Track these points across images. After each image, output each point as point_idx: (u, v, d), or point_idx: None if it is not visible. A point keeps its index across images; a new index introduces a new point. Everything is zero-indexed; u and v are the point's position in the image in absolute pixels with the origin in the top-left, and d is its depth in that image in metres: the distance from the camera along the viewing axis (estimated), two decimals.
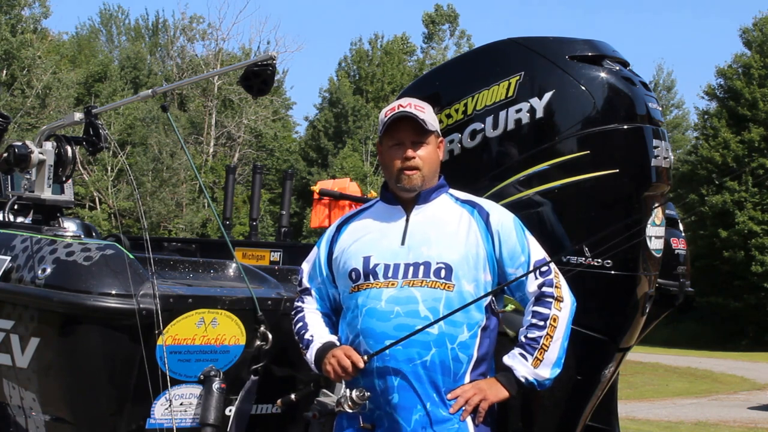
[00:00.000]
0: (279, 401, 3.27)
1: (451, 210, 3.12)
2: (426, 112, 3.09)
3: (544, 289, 3.04)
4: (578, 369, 3.74)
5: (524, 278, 3.04)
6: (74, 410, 3.51)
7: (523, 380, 3.02)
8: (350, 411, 2.97)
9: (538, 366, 3.01)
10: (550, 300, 3.03)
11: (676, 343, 29.07)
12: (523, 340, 3.03)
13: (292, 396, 3.22)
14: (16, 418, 3.75)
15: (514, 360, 3.03)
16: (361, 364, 2.94)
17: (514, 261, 3.06)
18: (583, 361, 3.72)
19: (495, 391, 3.02)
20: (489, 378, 3.05)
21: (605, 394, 4.02)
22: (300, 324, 3.21)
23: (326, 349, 3.07)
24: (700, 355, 26.01)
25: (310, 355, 3.12)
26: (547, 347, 3.00)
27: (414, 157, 3.06)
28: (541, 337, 3.00)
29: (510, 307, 3.11)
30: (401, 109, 3.06)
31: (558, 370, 3.04)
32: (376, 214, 3.18)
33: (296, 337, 3.21)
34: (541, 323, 3.01)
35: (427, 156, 3.08)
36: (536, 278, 3.05)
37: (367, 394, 2.94)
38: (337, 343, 3.10)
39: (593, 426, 4.29)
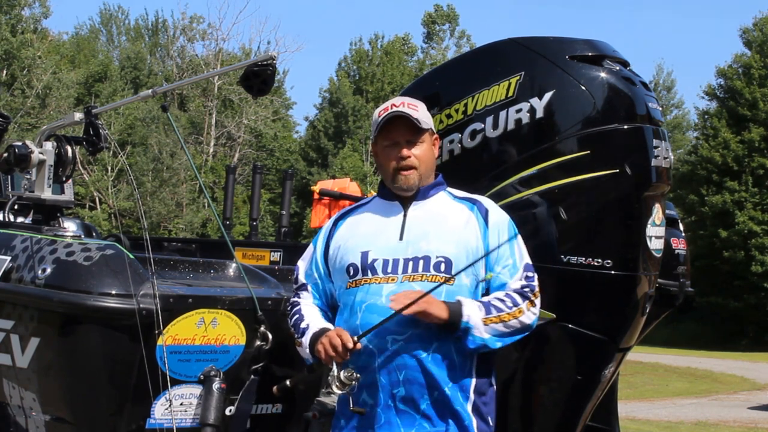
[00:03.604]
0: (275, 388, 3.26)
1: (449, 206, 3.12)
2: (419, 111, 3.09)
3: (526, 290, 3.04)
4: (578, 369, 3.74)
5: (508, 277, 3.04)
6: (74, 410, 3.51)
7: (465, 318, 2.93)
8: (339, 392, 2.93)
9: (486, 324, 2.96)
10: (527, 299, 3.02)
11: (676, 343, 29.05)
12: (488, 300, 3.00)
13: (287, 382, 3.21)
14: (16, 418, 3.75)
15: (469, 302, 2.97)
16: (351, 344, 2.90)
17: (500, 261, 3.06)
18: (583, 361, 3.73)
19: (438, 308, 2.92)
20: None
21: (605, 394, 4.03)
22: (296, 316, 3.17)
23: (321, 333, 3.04)
24: (700, 355, 25.98)
25: (306, 340, 3.08)
26: (499, 321, 2.97)
27: (410, 156, 3.06)
28: (503, 311, 2.98)
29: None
30: (395, 108, 3.06)
31: (490, 348, 2.98)
32: (373, 210, 3.18)
33: (292, 329, 3.18)
34: (510, 304, 3.00)
35: (423, 154, 3.09)
36: (521, 279, 3.05)
37: (357, 375, 2.91)
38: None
39: (593, 426, 4.30)
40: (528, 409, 3.84)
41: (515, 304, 3.00)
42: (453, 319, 2.93)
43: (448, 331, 2.95)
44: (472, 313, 2.95)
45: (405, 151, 3.06)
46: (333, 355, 2.93)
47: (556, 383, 3.79)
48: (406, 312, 2.87)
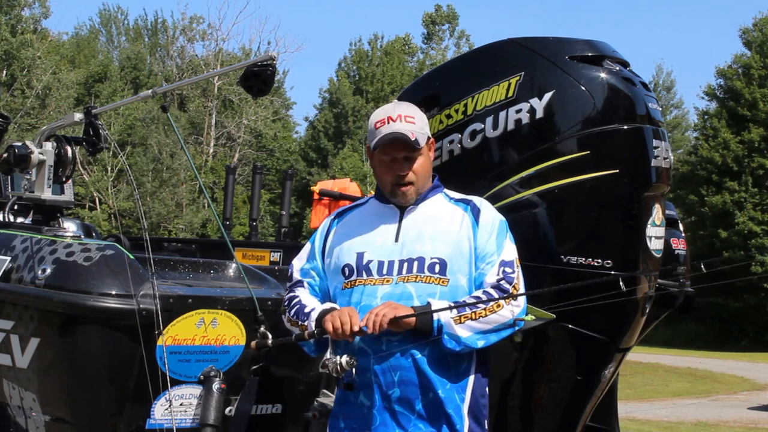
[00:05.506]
0: (253, 343, 3.24)
1: (444, 208, 3.13)
2: (416, 122, 3.07)
3: (502, 283, 3.02)
4: (578, 369, 3.74)
5: (484, 272, 3.03)
6: (74, 410, 3.51)
7: (435, 317, 2.92)
8: (334, 375, 2.94)
9: (459, 323, 2.93)
10: (503, 293, 3.00)
11: (676, 343, 29.05)
12: (462, 299, 2.98)
13: (269, 341, 3.19)
14: (16, 418, 3.75)
15: (439, 302, 2.95)
16: (357, 328, 2.90)
17: (485, 259, 3.05)
18: (583, 361, 3.73)
19: (404, 311, 2.91)
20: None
21: (605, 394, 4.02)
22: (297, 306, 3.13)
23: (330, 310, 3.02)
24: (700, 355, 25.99)
25: (315, 315, 3.04)
26: (477, 318, 2.94)
27: (408, 173, 3.06)
28: (477, 307, 2.95)
29: (530, 317, 3.08)
30: (392, 123, 3.03)
31: (471, 347, 2.96)
32: (369, 211, 3.19)
33: (294, 318, 3.13)
34: (485, 299, 2.97)
35: (420, 167, 3.08)
36: (497, 274, 3.03)
37: (354, 362, 2.91)
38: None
39: (593, 426, 4.29)
40: (528, 409, 3.84)
41: (491, 299, 2.98)
42: (422, 319, 2.92)
43: (424, 336, 2.93)
44: (442, 311, 2.93)
45: (403, 170, 3.06)
46: (339, 331, 2.91)
47: (556, 383, 3.79)
48: (377, 326, 2.87)
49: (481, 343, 2.98)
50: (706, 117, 35.69)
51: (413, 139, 3.02)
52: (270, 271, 4.00)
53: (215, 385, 3.48)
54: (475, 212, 3.10)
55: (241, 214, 32.88)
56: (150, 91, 4.55)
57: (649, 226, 3.62)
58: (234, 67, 5.13)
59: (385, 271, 3.02)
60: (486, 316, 2.96)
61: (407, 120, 3.06)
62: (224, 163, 38.52)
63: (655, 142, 3.60)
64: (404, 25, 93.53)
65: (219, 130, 41.60)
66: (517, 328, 3.06)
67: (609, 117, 3.56)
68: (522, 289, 3.06)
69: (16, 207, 4.95)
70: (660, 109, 3.76)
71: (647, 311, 3.79)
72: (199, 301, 3.47)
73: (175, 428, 3.48)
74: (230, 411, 3.60)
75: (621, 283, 2.95)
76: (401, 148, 3.05)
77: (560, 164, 3.54)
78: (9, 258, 3.66)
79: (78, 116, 4.54)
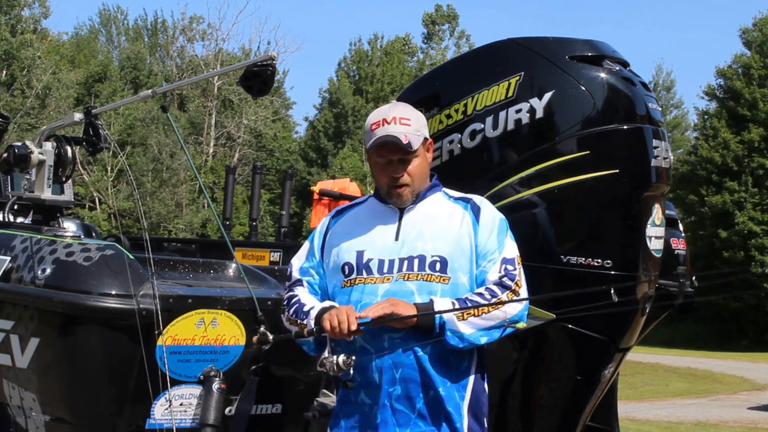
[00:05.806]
0: (254, 339, 3.24)
1: (444, 206, 3.13)
2: (412, 124, 3.06)
3: (504, 279, 3.02)
4: (578, 369, 3.75)
5: (486, 269, 3.03)
6: (74, 410, 3.51)
7: (437, 317, 2.92)
8: (331, 374, 2.95)
9: (461, 319, 2.93)
10: (507, 289, 3.00)
11: (676, 343, 29.05)
12: (465, 296, 2.98)
13: (270, 337, 3.20)
14: (16, 418, 3.75)
15: (441, 300, 2.96)
16: (354, 327, 2.89)
17: (487, 256, 3.05)
18: (583, 361, 3.73)
19: (405, 308, 2.92)
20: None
21: (605, 394, 4.03)
22: (296, 305, 3.13)
23: (329, 309, 3.01)
24: (700, 355, 25.99)
25: (314, 313, 3.03)
26: (479, 315, 2.94)
27: (402, 176, 3.06)
28: (480, 303, 2.95)
29: (521, 325, 3.08)
30: (386, 126, 3.03)
31: (475, 344, 2.97)
32: (369, 210, 3.19)
33: (293, 316, 3.12)
34: (488, 296, 2.97)
35: (416, 169, 3.08)
36: (499, 271, 3.03)
37: (352, 361, 2.91)
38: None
39: (593, 426, 4.29)
40: (528, 409, 3.84)
41: (494, 296, 2.98)
42: (426, 320, 2.91)
43: (425, 332, 2.93)
44: (445, 307, 2.93)
45: (397, 172, 3.06)
46: (336, 330, 2.90)
47: (556, 383, 3.79)
48: (375, 318, 2.87)
49: (484, 340, 2.99)
50: (706, 117, 35.68)
51: (405, 142, 3.01)
52: (270, 271, 4.01)
53: (215, 385, 3.48)
54: (476, 210, 3.10)
55: (241, 214, 32.88)
56: (150, 91, 4.55)
57: (649, 226, 3.63)
58: (234, 67, 5.14)
59: (385, 270, 3.02)
60: (489, 312, 2.96)
61: (402, 122, 3.05)
62: (224, 163, 38.52)
63: (655, 142, 3.60)
64: (404, 25, 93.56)
65: (219, 130, 41.60)
66: (519, 325, 3.06)
67: (609, 117, 3.56)
68: (524, 286, 3.06)
69: (16, 207, 4.96)
70: (660, 109, 3.76)
71: (647, 311, 3.79)
72: (199, 301, 3.47)
73: (175, 428, 3.48)
74: (230, 411, 3.61)
75: (612, 293, 2.96)
76: (395, 150, 3.05)
77: (560, 164, 3.54)
78: (9, 258, 3.66)
79: (78, 116, 4.54)
